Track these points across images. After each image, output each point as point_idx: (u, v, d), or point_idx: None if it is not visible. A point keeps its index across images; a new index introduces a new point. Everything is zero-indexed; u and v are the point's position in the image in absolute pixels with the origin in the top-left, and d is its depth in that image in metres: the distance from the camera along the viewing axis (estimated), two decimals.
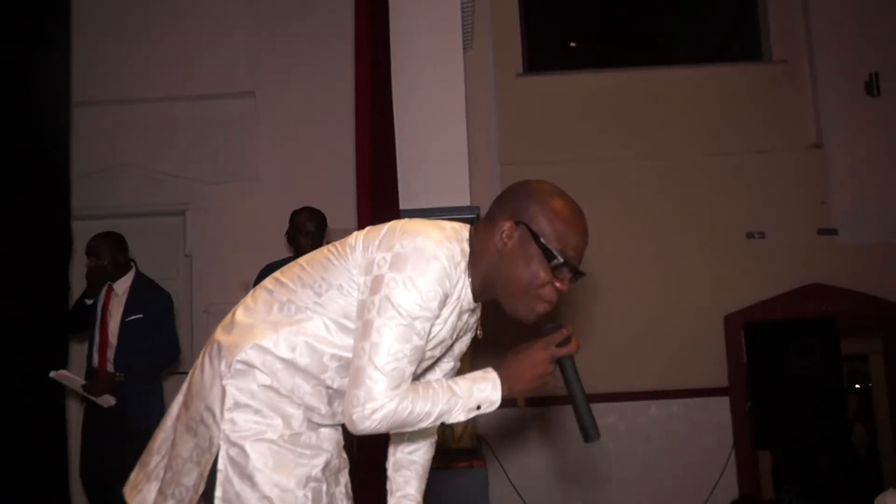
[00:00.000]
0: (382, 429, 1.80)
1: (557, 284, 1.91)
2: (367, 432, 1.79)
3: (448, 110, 4.87)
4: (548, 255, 1.87)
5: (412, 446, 2.28)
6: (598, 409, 6.02)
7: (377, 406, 1.75)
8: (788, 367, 5.98)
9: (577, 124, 6.68)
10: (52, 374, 4.51)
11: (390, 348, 1.76)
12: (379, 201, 4.54)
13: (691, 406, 6.38)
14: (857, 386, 7.15)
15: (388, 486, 2.28)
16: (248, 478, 1.82)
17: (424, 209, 4.71)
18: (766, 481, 6.40)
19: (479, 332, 1.95)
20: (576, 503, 6.06)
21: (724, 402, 6.36)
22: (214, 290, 6.23)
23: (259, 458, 1.83)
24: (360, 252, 1.87)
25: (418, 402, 1.79)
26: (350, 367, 1.82)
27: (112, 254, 4.74)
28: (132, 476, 2.03)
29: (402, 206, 4.60)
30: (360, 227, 4.51)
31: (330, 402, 1.94)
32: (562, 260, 1.88)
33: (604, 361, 6.23)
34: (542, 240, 1.87)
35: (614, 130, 6.67)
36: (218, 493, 1.84)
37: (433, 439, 2.30)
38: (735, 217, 6.55)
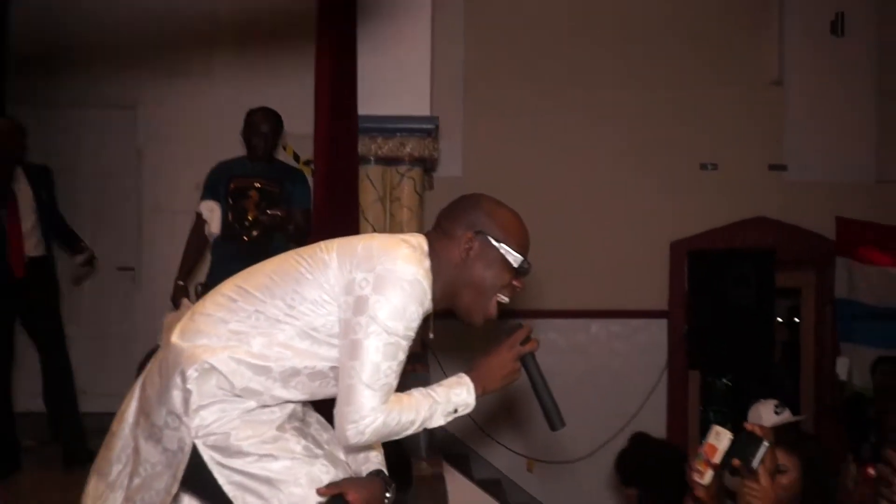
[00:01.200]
0: (372, 440, 1.93)
1: (516, 283, 2.05)
2: (358, 445, 1.92)
3: (413, 17, 4.80)
4: (511, 258, 2.02)
5: None
6: (540, 325, 6.21)
7: (369, 422, 1.86)
8: (726, 295, 6.20)
9: (538, 49, 6.63)
10: None
11: (379, 367, 1.85)
12: (337, 107, 4.51)
13: (631, 327, 6.59)
14: (796, 320, 7.39)
15: None
16: (238, 451, 1.89)
17: (383, 116, 4.69)
18: (693, 400, 6.68)
19: (431, 333, 2.02)
20: (510, 413, 6.24)
21: (663, 324, 6.58)
22: (165, 188, 6.18)
23: (237, 431, 1.89)
24: (335, 269, 1.91)
25: (404, 413, 1.91)
26: (339, 385, 1.90)
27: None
28: (90, 488, 2.02)
29: (361, 111, 4.57)
30: (318, 133, 4.52)
31: (291, 417, 2.01)
32: (522, 260, 2.03)
33: (550, 279, 6.34)
34: (503, 245, 2.01)
35: (577, 57, 6.64)
36: (220, 480, 1.89)
37: None
38: (691, 148, 6.65)
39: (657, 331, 6.57)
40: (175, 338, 1.96)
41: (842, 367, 5.45)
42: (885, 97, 6.75)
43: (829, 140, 6.72)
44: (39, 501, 4.25)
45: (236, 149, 4.81)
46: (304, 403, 2.11)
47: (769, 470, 1.99)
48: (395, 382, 1.90)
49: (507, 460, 6.24)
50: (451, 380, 2.02)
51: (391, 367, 1.87)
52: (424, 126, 4.75)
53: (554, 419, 2.08)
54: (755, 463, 1.98)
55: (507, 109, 6.50)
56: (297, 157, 5.95)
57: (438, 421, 1.97)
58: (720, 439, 2.29)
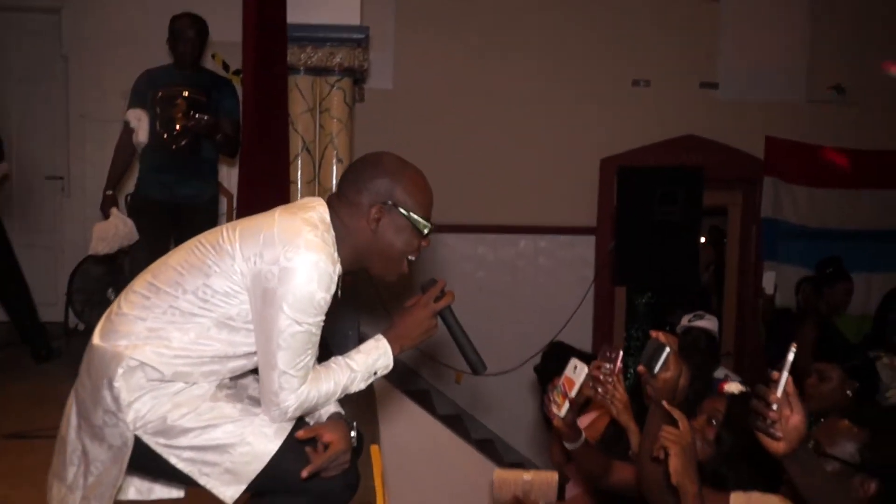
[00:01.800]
0: (297, 415, 2.01)
1: (424, 244, 2.10)
2: (283, 422, 1.99)
3: None
4: (419, 225, 2.05)
5: None
6: (470, 239, 6.29)
7: (290, 403, 1.95)
8: (653, 212, 6.30)
9: None
10: None
11: (295, 353, 1.92)
12: (266, 14, 4.43)
13: (559, 242, 6.68)
14: (723, 241, 7.55)
15: None
16: (180, 430, 1.94)
17: (313, 25, 4.64)
18: (619, 316, 6.85)
19: (338, 291, 2.05)
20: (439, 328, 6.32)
21: (591, 241, 6.68)
22: (93, 96, 6.05)
23: (172, 412, 1.94)
24: (240, 260, 1.93)
25: (322, 386, 2.00)
26: (260, 372, 1.98)
27: None
28: (53, 492, 2.08)
29: (290, 19, 4.51)
30: (246, 42, 4.46)
31: (220, 386, 2.05)
32: (430, 226, 2.07)
33: (480, 194, 6.42)
34: (410, 214, 2.04)
35: None
36: (172, 460, 1.94)
37: None
38: (624, 65, 6.66)
39: (585, 247, 6.67)
40: (97, 340, 2.00)
41: (768, 281, 5.60)
42: (817, 17, 6.80)
43: (761, 59, 6.77)
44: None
45: (165, 58, 4.73)
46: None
47: (672, 372, 2.06)
48: (312, 361, 1.98)
49: (435, 372, 6.35)
50: (370, 344, 2.09)
51: (305, 351, 1.93)
52: (354, 36, 4.71)
53: (476, 365, 2.16)
54: (657, 368, 2.05)
55: (439, 22, 6.44)
56: (226, 67, 5.84)
57: (360, 386, 2.07)
58: (577, 374, 2.41)
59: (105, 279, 5.94)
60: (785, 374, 1.66)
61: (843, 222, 6.94)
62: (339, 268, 1.99)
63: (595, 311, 6.67)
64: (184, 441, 1.93)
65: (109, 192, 4.53)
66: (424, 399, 5.91)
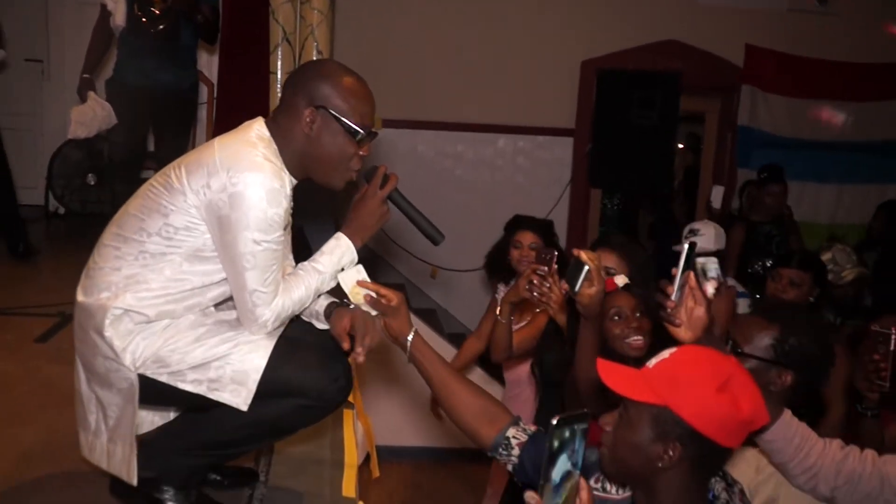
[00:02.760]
0: (277, 325, 2.06)
1: (361, 152, 2.10)
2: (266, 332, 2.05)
3: None
4: (351, 131, 2.04)
5: None
6: (450, 137, 6.31)
7: (267, 317, 2.02)
8: (630, 115, 6.35)
9: None
10: None
11: (262, 271, 1.98)
12: None
13: (537, 143, 6.74)
14: (700, 147, 7.61)
15: None
16: (178, 357, 2.00)
17: None
18: (594, 217, 6.97)
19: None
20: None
21: (568, 142, 6.73)
22: None
23: (165, 344, 2.01)
24: (191, 195, 1.96)
25: (294, 294, 2.06)
26: (233, 294, 2.04)
27: None
28: (82, 442, 2.15)
29: None
30: None
31: (206, 314, 2.12)
32: (363, 132, 2.06)
33: (460, 92, 6.44)
34: (343, 119, 2.03)
35: None
36: (182, 386, 2.01)
37: None
38: None
39: (563, 148, 6.73)
40: (80, 297, 2.06)
41: (716, 195, 5.66)
42: None
43: None
44: None
45: None
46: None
47: (596, 287, 2.14)
48: (279, 273, 2.03)
49: (411, 266, 6.47)
50: (331, 244, 2.15)
51: (269, 267, 1.98)
52: None
53: (433, 236, 2.21)
54: (577, 286, 2.12)
55: None
56: None
57: (330, 284, 2.14)
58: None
59: (84, 163, 5.99)
60: (680, 268, 1.82)
61: (818, 133, 7.02)
62: (289, 178, 2.05)
63: (570, 213, 6.77)
64: (184, 364, 2.01)
65: (86, 76, 4.47)
66: (431, 318, 6.02)
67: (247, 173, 1.92)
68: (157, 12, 4.36)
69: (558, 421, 1.28)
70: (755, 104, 6.94)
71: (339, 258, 2.14)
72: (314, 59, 4.28)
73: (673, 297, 1.83)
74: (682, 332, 1.84)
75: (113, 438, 2.11)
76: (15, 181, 5.05)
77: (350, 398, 2.62)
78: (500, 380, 4.15)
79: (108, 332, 1.99)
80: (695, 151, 7.98)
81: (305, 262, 2.15)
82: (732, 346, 2.05)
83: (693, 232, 4.32)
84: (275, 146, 2.04)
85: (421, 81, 6.40)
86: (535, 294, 2.74)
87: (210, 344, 2.02)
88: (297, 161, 2.07)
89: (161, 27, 4.38)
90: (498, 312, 2.99)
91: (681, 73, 6.42)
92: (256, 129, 2.05)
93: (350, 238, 2.16)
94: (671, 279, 1.84)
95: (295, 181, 2.10)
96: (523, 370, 3.63)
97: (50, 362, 3.12)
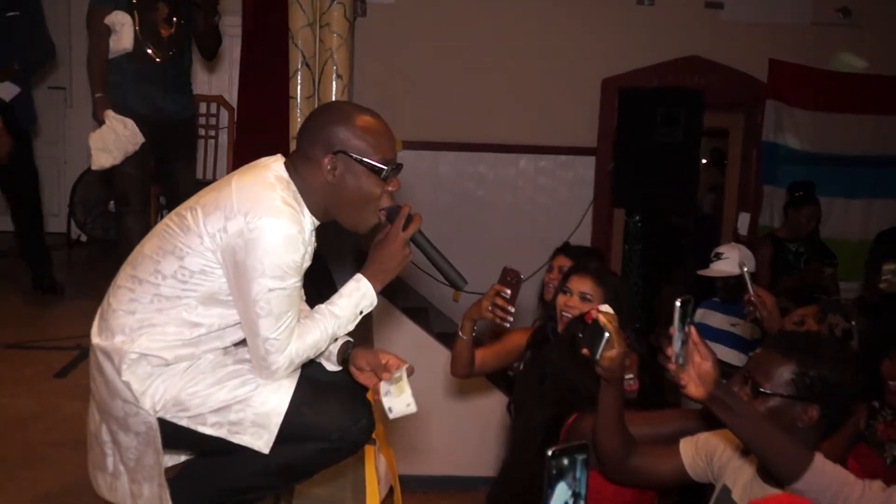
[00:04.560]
0: (292, 370, 2.02)
1: (390, 188, 2.05)
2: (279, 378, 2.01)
3: None
4: (374, 169, 1.99)
5: None
6: (471, 158, 6.27)
7: (280, 363, 1.96)
8: (654, 133, 6.28)
9: None
10: None
11: (276, 317, 1.92)
12: None
13: (559, 163, 6.67)
14: (724, 163, 7.52)
15: None
16: (198, 401, 1.97)
17: None
18: (617, 237, 6.89)
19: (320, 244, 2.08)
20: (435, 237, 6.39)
21: (591, 161, 6.66)
22: None
23: (185, 387, 1.97)
24: (207, 238, 1.91)
25: (308, 339, 2.00)
26: (247, 341, 1.99)
27: None
28: (100, 482, 2.12)
29: None
30: None
31: (226, 353, 2.08)
32: (388, 168, 2.00)
33: (480, 112, 6.40)
34: (365, 160, 1.98)
35: None
36: (203, 430, 1.98)
37: None
38: None
39: (585, 167, 6.66)
40: (95, 339, 2.03)
41: (742, 222, 5.56)
42: None
43: None
44: None
45: None
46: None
47: (616, 349, 2.02)
48: (294, 320, 1.97)
49: (433, 289, 6.34)
50: (350, 286, 2.08)
51: (284, 312, 1.93)
52: None
53: (456, 281, 2.13)
54: (598, 353, 1.99)
55: None
56: None
57: (347, 328, 2.07)
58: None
59: (105, 191, 5.99)
60: (675, 326, 1.76)
61: (844, 147, 6.89)
62: (309, 221, 2.00)
63: (593, 233, 6.69)
64: (204, 408, 1.97)
65: (99, 95, 4.11)
66: (421, 316, 5.93)
67: (265, 218, 1.87)
68: (166, 37, 4.14)
69: (554, 452, 1.28)
70: (780, 119, 6.83)
71: (357, 302, 2.07)
72: (325, 103, 4.17)
73: (676, 356, 1.78)
74: (693, 389, 1.78)
75: (136, 479, 2.06)
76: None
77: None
78: None
79: (125, 377, 1.96)
80: (718, 166, 7.89)
81: (322, 306, 2.09)
82: (753, 387, 1.98)
83: (717, 256, 4.27)
84: (294, 187, 1.99)
85: (441, 103, 6.37)
86: (497, 317, 2.73)
87: (230, 386, 1.98)
88: (321, 207, 2.02)
89: (171, 53, 4.16)
90: (460, 329, 2.93)
91: (704, 90, 6.35)
92: (275, 170, 2.00)
93: (370, 280, 2.08)
94: (669, 338, 1.78)
95: (317, 222, 2.05)
96: None
97: (68, 399, 3.09)
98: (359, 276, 2.10)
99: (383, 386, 2.09)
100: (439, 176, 6.50)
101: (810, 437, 1.93)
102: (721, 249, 4.32)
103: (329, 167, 1.98)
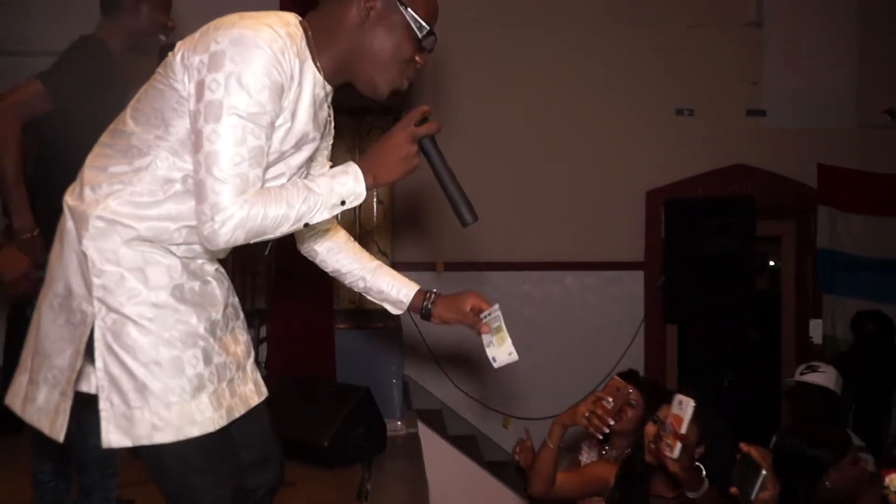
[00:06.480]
0: (240, 239, 1.69)
1: (418, 59, 1.83)
2: (224, 245, 1.69)
3: None
4: (416, 26, 1.77)
5: (322, 243, 2.22)
6: (515, 277, 6.09)
7: (226, 216, 1.64)
8: (703, 244, 6.10)
9: None
10: None
11: (227, 154, 1.63)
12: None
13: (606, 278, 6.46)
14: (771, 264, 7.30)
15: (361, 287, 2.23)
16: (130, 347, 1.71)
17: None
18: (671, 354, 6.59)
19: (328, 107, 1.85)
20: (487, 370, 6.12)
21: (639, 276, 6.45)
22: None
23: (139, 323, 1.72)
24: (179, 65, 1.70)
25: (271, 206, 1.68)
26: (194, 190, 1.69)
27: None
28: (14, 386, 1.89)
29: None
30: None
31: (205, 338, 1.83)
32: (429, 29, 1.79)
33: (524, 230, 6.26)
34: (409, 9, 1.76)
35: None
36: (98, 363, 1.71)
37: (334, 227, 2.24)
38: (666, 93, 6.47)
39: (633, 283, 6.45)
40: (66, 196, 1.82)
41: (815, 329, 5.27)
42: (866, 39, 6.56)
43: (808, 84, 6.54)
44: None
45: None
46: (230, 311, 1.95)
47: (770, 492, 1.89)
48: (252, 171, 1.67)
49: (482, 417, 6.14)
50: (337, 168, 1.80)
51: (240, 154, 1.64)
52: None
53: (463, 212, 1.90)
54: (753, 494, 1.85)
55: (481, 50, 6.22)
56: None
57: (323, 215, 1.75)
58: (684, 408, 2.17)
59: None
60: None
61: None
62: (314, 77, 1.76)
63: (646, 350, 6.43)
64: (120, 356, 1.70)
65: None
66: (470, 445, 5.70)
67: (236, 30, 1.63)
68: None
69: None
70: (833, 225, 6.63)
71: (340, 184, 1.75)
72: None
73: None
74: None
75: (34, 380, 1.78)
76: None
77: None
78: None
79: (86, 244, 1.71)
80: (771, 271, 7.62)
81: (298, 179, 1.80)
82: None
83: (812, 368, 3.99)
84: (301, 31, 1.74)
85: (483, 222, 6.19)
86: (592, 426, 2.64)
87: (160, 374, 1.71)
88: (338, 58, 1.78)
89: None
90: (548, 435, 2.78)
91: (753, 199, 6.18)
92: (280, 13, 1.75)
93: (363, 170, 1.78)
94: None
95: (329, 87, 1.80)
96: None
97: None
98: (350, 162, 1.80)
99: (485, 338, 2.11)
100: (484, 296, 6.27)
101: None
102: (816, 364, 4.02)
103: (367, 3, 1.75)
